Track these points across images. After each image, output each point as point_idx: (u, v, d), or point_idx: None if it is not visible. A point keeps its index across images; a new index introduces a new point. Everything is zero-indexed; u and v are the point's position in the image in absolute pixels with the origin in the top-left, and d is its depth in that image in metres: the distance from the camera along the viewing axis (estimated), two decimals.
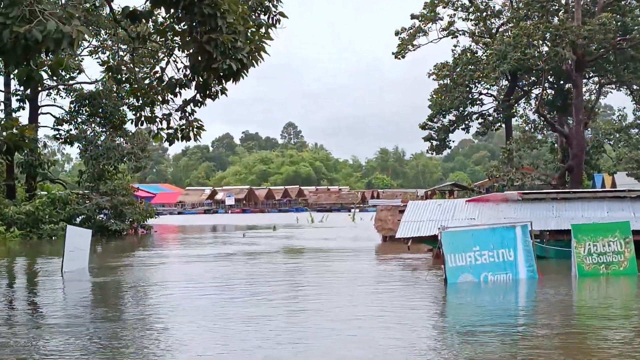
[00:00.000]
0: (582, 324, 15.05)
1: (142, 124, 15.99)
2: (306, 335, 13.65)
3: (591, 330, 14.05)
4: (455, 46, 60.32)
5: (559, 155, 58.31)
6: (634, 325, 14.89)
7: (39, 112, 54.99)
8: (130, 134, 53.21)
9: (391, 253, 32.63)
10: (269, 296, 19.19)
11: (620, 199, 30.08)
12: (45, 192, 55.10)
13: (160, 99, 15.64)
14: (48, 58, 15.93)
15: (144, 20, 14.22)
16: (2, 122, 45.97)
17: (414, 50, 58.64)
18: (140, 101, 15.82)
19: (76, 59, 52.82)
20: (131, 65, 19.91)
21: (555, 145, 61.62)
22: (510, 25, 54.86)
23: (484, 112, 62.49)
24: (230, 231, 59.39)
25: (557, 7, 54.03)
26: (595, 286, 21.22)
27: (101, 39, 52.14)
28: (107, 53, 51.78)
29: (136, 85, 16.13)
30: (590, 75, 59.79)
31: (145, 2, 13.48)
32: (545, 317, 15.70)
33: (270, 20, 16.87)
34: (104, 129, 53.10)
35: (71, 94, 54.29)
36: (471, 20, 60.30)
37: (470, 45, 60.59)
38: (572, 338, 13.19)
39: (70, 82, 54.85)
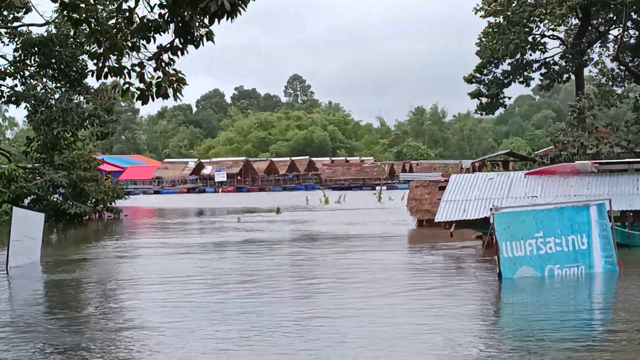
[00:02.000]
0: None
1: (106, 77, 15.90)
2: (318, 345, 13.69)
3: None
4: None
5: None
6: None
7: None
8: (92, 90, 53.18)
9: (429, 241, 32.63)
10: (272, 297, 19.23)
11: None
12: None
13: (130, 45, 15.56)
14: None
15: None
16: None
17: None
18: (104, 48, 15.74)
19: None
20: (92, 1, 19.85)
21: None
22: None
23: (547, 59, 62.20)
24: (221, 215, 59.55)
25: None
26: None
27: None
28: None
29: (98, 28, 16.06)
30: None
31: None
32: (629, 323, 15.60)
33: None
34: (59, 85, 53.12)
35: (16, 39, 54.26)
36: None
37: None
38: None
39: (15, 24, 54.80)
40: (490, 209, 22.45)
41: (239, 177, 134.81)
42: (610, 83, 60.66)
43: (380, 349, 13.40)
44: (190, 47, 14.84)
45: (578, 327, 15.35)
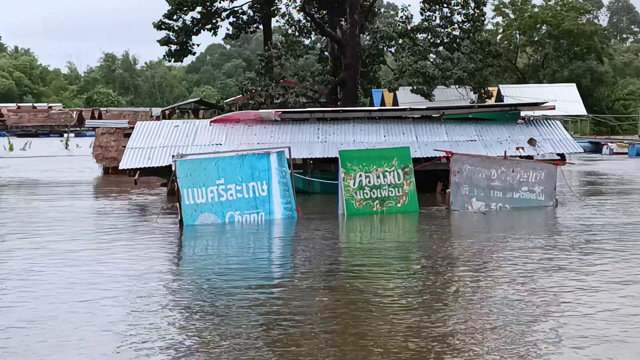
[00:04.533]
0: (349, 272, 15.58)
1: None
2: None
3: (361, 287, 14.53)
4: None
5: (329, 65, 59.58)
6: (411, 276, 15.60)
7: None
8: None
9: (114, 188, 32.41)
10: None
11: (401, 119, 31.44)
12: None
13: None
14: None
15: None
16: None
17: None
18: None
19: None
20: None
21: (325, 53, 62.89)
22: None
23: (236, 9, 62.54)
24: None
25: None
26: (366, 227, 22.11)
27: None
28: None
29: None
30: None
31: None
32: (307, 264, 16.08)
33: None
34: None
35: None
36: None
37: None
38: (336, 295, 13.57)
39: None
40: (173, 156, 22.49)
41: None
42: (298, 34, 61.73)
43: (63, 294, 13.11)
44: None
45: (259, 269, 15.70)
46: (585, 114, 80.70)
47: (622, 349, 10.08)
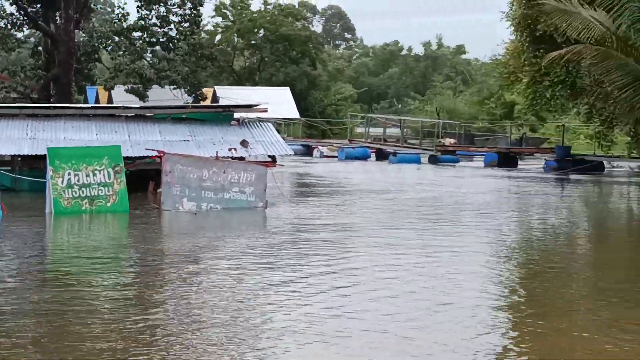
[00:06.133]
0: (56, 271, 15.31)
1: None
2: None
3: (69, 285, 14.31)
4: None
5: (42, 60, 58.25)
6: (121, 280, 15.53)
7: None
8: None
9: None
10: None
11: (114, 118, 31.19)
12: None
13: None
14: None
15: None
16: None
17: None
18: None
19: None
20: None
21: (39, 48, 61.42)
22: None
23: None
24: None
25: None
26: (73, 226, 21.82)
27: None
28: None
29: None
30: None
31: None
32: (9, 268, 15.60)
33: None
34: None
35: None
36: None
37: None
38: (44, 294, 13.31)
39: None
40: None
41: None
42: (10, 27, 59.82)
43: None
44: None
45: None
46: (299, 117, 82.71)
47: (333, 343, 10.43)
